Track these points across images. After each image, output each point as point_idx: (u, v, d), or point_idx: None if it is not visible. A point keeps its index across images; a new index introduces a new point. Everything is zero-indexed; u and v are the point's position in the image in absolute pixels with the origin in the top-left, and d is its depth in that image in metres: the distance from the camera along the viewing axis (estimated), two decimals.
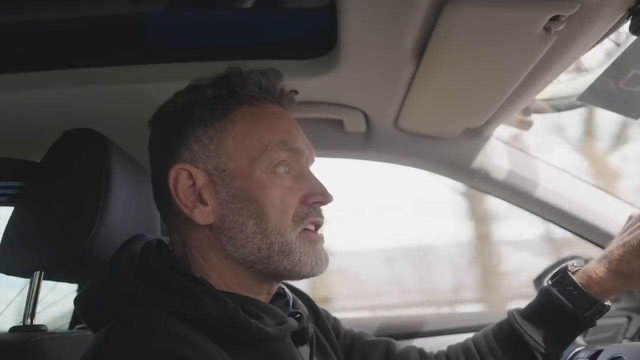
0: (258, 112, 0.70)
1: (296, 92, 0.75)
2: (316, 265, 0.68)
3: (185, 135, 0.68)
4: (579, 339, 1.21)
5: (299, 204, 0.68)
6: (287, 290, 0.75)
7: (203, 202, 0.66)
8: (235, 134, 0.68)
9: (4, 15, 0.93)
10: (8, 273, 0.81)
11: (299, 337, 0.70)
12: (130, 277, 0.62)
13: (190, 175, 0.67)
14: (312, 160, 0.74)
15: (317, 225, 0.70)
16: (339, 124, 1.13)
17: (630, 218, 0.80)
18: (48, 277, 0.81)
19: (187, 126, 0.68)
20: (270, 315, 0.65)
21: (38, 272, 0.79)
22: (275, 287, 0.72)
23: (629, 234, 0.77)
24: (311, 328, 0.73)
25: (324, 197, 0.70)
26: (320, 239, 0.70)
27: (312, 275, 0.68)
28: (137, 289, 0.60)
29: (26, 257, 0.77)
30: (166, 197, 0.68)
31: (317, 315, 0.83)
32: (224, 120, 0.68)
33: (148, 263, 0.65)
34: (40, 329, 0.80)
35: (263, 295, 0.70)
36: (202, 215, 0.66)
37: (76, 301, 0.66)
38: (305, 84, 0.96)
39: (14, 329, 0.79)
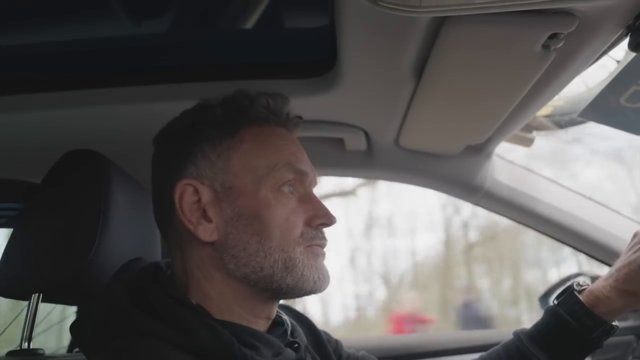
0: (265, 132, 0.71)
1: (300, 117, 0.77)
2: (319, 280, 0.67)
3: (193, 152, 0.68)
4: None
5: (304, 226, 0.68)
6: (284, 317, 0.74)
7: (207, 219, 0.66)
8: (242, 152, 0.68)
9: (5, 38, 0.94)
10: (6, 295, 0.80)
11: None
12: (125, 304, 0.61)
13: (196, 192, 0.67)
14: (316, 183, 0.74)
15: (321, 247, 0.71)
16: (340, 142, 1.13)
17: (635, 235, 0.79)
18: (46, 300, 0.80)
19: (195, 143, 0.68)
20: (267, 346, 0.64)
21: (36, 294, 0.78)
22: (275, 309, 0.71)
23: (635, 252, 0.75)
24: (309, 359, 0.72)
25: (328, 219, 0.70)
26: (323, 253, 0.70)
27: (315, 292, 0.68)
28: (131, 316, 0.60)
29: (25, 279, 0.77)
30: (168, 213, 0.68)
31: (318, 339, 0.81)
32: (232, 139, 0.69)
33: (143, 289, 0.64)
34: (37, 352, 0.79)
35: (262, 319, 0.69)
36: (207, 232, 0.65)
37: (72, 327, 0.65)
38: (305, 103, 0.97)
39: (11, 353, 0.78)
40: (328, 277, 0.70)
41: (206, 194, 0.67)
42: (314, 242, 0.68)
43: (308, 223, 0.68)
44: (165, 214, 0.69)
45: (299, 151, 0.73)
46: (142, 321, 0.59)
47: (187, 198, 0.66)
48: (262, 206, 0.66)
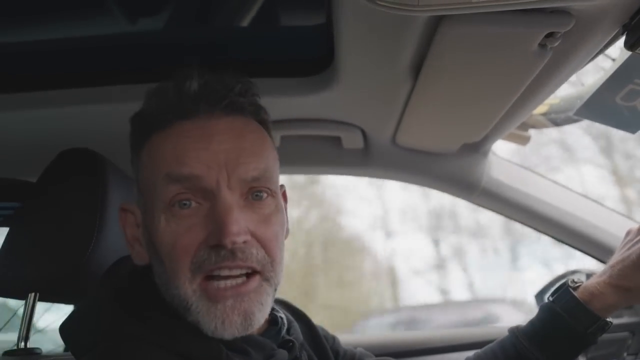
0: (160, 140, 0.60)
1: (224, 81, 0.62)
2: (222, 326, 0.55)
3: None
4: (580, 357, 1.19)
5: (199, 248, 0.55)
6: (280, 314, 0.71)
7: (140, 242, 0.64)
8: (142, 170, 0.63)
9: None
10: (2, 295, 0.80)
11: None
12: (111, 306, 0.60)
13: (134, 214, 0.65)
14: (242, 178, 0.57)
15: (232, 268, 0.55)
16: (337, 140, 1.13)
17: (628, 233, 0.80)
18: (43, 299, 0.80)
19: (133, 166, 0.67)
20: (258, 349, 0.62)
21: (33, 293, 0.78)
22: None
23: (628, 249, 0.76)
24: (304, 357, 0.70)
25: (219, 238, 0.54)
26: (232, 295, 0.55)
27: (223, 338, 0.56)
28: (117, 320, 0.58)
29: (21, 278, 0.77)
30: None
31: (315, 336, 0.80)
32: (138, 157, 0.64)
33: (131, 290, 0.62)
34: (34, 352, 0.79)
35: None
36: (138, 256, 0.63)
37: (61, 328, 0.63)
38: (302, 101, 0.97)
39: (7, 353, 0.78)
40: (244, 322, 0.56)
41: (138, 216, 0.64)
42: (204, 267, 0.55)
43: (207, 241, 0.55)
44: None
45: (191, 147, 0.57)
46: (128, 325, 0.57)
47: (129, 219, 0.65)
48: (155, 230, 0.57)
